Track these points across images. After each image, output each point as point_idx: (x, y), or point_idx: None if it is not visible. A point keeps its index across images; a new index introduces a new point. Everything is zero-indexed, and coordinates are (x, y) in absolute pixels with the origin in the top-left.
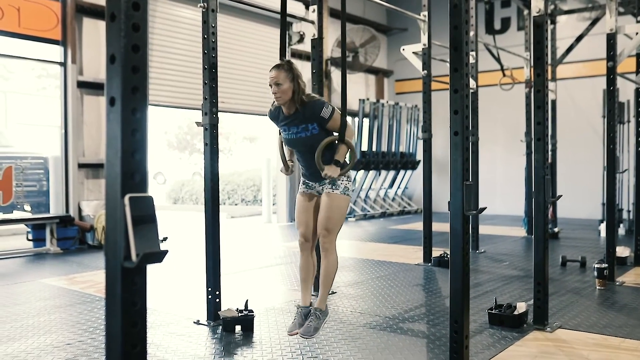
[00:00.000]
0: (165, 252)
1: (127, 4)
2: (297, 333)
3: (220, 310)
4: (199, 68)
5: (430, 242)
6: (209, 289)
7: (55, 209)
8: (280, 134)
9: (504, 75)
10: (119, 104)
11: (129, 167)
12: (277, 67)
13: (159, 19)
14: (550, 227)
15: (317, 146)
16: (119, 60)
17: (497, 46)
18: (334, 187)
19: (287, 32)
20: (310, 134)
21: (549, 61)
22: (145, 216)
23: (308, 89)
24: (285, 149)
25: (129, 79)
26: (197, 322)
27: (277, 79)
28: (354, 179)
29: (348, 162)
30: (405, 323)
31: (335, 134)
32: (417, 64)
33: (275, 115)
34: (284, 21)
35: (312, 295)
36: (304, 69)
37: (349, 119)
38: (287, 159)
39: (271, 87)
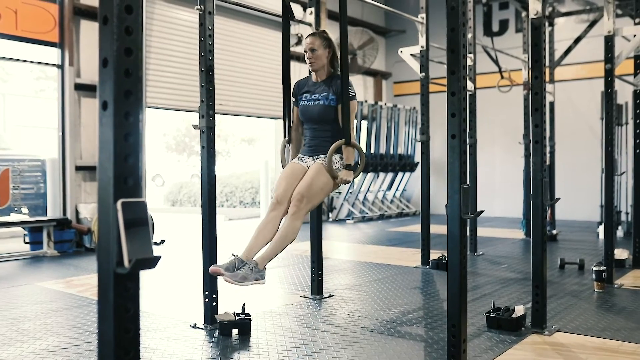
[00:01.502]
0: (158, 257)
1: (119, 7)
2: (219, 273)
3: (217, 313)
4: (196, 70)
5: (429, 245)
6: (206, 293)
7: (53, 211)
8: (284, 136)
9: (502, 77)
10: (111, 108)
11: (121, 172)
12: (313, 34)
13: (156, 22)
14: (549, 230)
15: (327, 119)
16: (112, 64)
17: (495, 48)
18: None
19: (289, 34)
20: (328, 103)
21: (547, 63)
22: (138, 221)
23: None
24: (294, 133)
25: (121, 83)
26: (194, 326)
27: (313, 45)
28: (353, 181)
29: (358, 164)
30: (403, 326)
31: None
32: (415, 66)
33: (303, 83)
34: (286, 23)
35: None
36: (302, 71)
37: None
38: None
39: (306, 54)
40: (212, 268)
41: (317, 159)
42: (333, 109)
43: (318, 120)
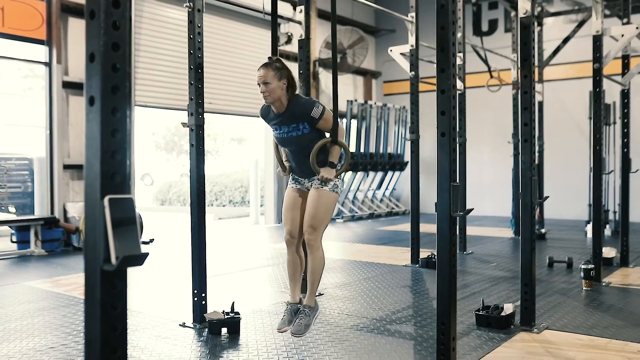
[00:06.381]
0: (146, 254)
1: (107, 1)
2: (287, 330)
3: (206, 312)
4: (186, 68)
5: (418, 243)
6: (195, 291)
7: (40, 210)
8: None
9: (492, 76)
10: (98, 103)
11: (109, 168)
12: (265, 65)
13: (145, 20)
14: (537, 228)
15: (308, 145)
16: (99, 59)
17: (485, 48)
18: (323, 184)
19: (277, 33)
20: (302, 133)
21: (536, 63)
22: (125, 218)
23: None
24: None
25: (108, 78)
26: (183, 325)
27: (265, 78)
28: (342, 179)
29: (342, 163)
30: (393, 325)
31: (327, 134)
32: (405, 65)
33: (265, 113)
34: (274, 21)
35: (301, 295)
36: (292, 70)
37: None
38: (283, 159)
39: (259, 86)
40: (279, 330)
41: (312, 180)
42: (308, 135)
43: (299, 148)
